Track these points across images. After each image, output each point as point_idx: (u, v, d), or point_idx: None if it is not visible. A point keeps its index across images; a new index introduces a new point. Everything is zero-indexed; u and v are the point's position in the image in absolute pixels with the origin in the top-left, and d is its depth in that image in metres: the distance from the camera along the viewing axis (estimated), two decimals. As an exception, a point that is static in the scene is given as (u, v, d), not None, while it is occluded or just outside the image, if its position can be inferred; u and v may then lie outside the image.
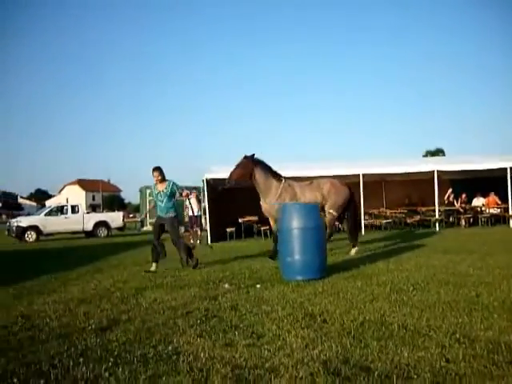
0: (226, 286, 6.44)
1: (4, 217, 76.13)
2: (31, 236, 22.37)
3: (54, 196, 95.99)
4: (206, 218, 17.52)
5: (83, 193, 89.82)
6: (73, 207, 23.78)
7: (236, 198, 18.20)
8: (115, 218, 24.70)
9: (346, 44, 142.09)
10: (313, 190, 9.89)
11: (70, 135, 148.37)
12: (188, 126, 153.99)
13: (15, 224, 22.83)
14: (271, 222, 9.79)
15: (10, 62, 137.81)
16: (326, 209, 9.96)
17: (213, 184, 17.08)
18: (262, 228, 17.23)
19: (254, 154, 9.52)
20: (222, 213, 17.77)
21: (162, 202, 8.68)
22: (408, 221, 19.50)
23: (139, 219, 29.91)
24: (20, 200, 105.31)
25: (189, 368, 3.21)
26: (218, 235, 16.89)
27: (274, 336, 3.91)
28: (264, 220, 17.92)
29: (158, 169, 8.72)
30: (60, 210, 23.75)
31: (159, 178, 8.71)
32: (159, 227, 8.75)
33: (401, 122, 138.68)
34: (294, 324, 4.26)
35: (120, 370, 3.24)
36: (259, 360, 3.32)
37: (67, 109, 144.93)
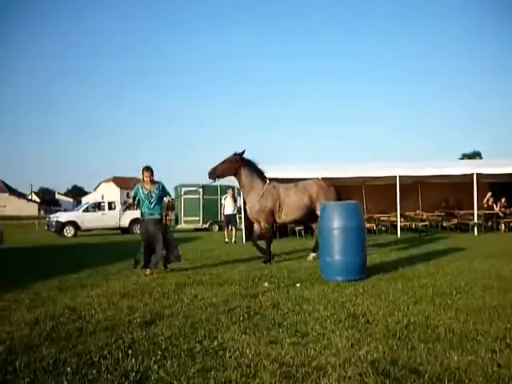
0: (266, 284, 6.46)
1: (42, 212, 78.13)
2: (69, 231, 22.91)
3: (89, 193, 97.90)
4: (240, 217, 17.59)
5: (118, 190, 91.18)
6: (109, 204, 24.23)
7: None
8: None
9: (382, 38, 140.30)
10: (298, 192, 9.53)
11: (104, 133, 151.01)
12: (219, 124, 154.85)
13: (55, 219, 23.42)
14: (255, 224, 9.61)
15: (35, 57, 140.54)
16: (317, 212, 9.37)
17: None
18: (297, 228, 17.23)
19: (244, 151, 9.32)
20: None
21: (153, 202, 8.24)
22: (445, 224, 19.17)
23: (173, 216, 30.22)
24: (57, 196, 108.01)
25: (236, 363, 3.24)
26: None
27: (319, 335, 3.90)
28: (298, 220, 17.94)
29: (149, 168, 8.34)
30: (97, 206, 24.26)
31: (151, 177, 8.31)
32: (147, 232, 8.28)
33: (436, 125, 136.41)
34: (338, 324, 4.25)
35: (169, 363, 3.29)
36: (306, 358, 3.32)
37: (101, 107, 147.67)
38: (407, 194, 18.88)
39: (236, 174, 9.28)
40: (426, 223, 18.84)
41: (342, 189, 17.53)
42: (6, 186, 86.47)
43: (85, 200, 56.89)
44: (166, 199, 8.57)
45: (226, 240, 16.19)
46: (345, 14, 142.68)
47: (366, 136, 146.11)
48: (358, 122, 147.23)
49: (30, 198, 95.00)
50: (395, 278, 6.73)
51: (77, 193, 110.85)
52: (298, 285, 6.34)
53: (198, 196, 25.44)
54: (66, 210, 41.19)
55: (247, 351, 3.50)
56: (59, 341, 3.95)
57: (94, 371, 3.17)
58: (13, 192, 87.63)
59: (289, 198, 9.36)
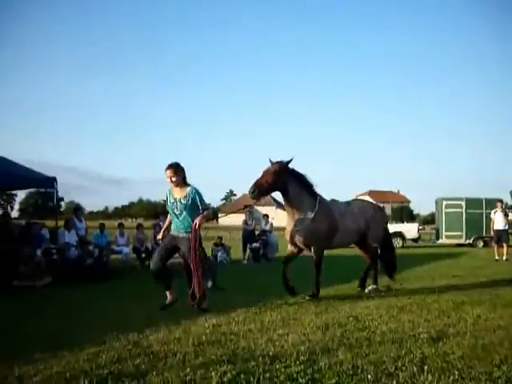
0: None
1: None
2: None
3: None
4: (512, 233, 16.09)
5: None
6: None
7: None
8: (410, 229, 24.69)
9: None
10: (353, 215, 7.65)
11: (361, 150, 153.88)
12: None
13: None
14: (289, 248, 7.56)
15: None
16: (368, 241, 7.80)
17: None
18: None
19: (290, 160, 7.11)
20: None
21: (180, 215, 6.02)
22: None
23: (433, 230, 29.24)
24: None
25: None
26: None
27: None
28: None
29: (173, 166, 6.02)
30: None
31: (174, 178, 5.98)
32: (169, 248, 6.16)
33: None
34: None
35: (466, 384, 3.23)
36: None
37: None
38: None
39: (283, 189, 7.14)
40: None
41: None
42: (275, 200, 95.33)
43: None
44: (196, 221, 5.87)
45: (497, 257, 14.92)
46: None
47: None
48: None
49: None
50: None
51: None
52: None
53: (460, 210, 24.10)
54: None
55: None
56: (352, 347, 4.23)
57: (395, 382, 3.30)
58: (279, 205, 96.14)
59: (345, 221, 7.52)
